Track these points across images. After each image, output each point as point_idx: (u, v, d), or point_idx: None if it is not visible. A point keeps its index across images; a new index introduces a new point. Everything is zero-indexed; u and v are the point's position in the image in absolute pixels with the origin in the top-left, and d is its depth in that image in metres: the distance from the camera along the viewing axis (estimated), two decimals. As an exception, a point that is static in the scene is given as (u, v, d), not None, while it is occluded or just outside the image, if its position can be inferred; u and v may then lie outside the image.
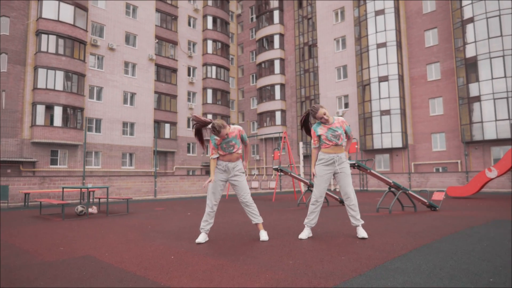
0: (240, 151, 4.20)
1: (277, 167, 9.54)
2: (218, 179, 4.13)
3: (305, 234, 4.20)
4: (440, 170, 25.22)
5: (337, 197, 9.09)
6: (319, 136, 4.23)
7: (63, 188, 7.18)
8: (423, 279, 2.47)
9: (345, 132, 4.30)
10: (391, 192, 6.97)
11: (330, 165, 4.20)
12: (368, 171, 6.30)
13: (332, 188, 18.12)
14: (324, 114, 4.19)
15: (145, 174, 25.97)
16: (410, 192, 6.78)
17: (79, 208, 6.95)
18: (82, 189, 8.56)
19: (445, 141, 25.62)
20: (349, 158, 5.02)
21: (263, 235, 4.14)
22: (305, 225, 4.27)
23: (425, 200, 6.91)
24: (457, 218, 5.91)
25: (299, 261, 3.05)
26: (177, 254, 3.46)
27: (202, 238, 4.06)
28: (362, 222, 4.21)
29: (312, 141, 4.27)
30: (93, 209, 7.42)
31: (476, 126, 23.43)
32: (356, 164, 6.15)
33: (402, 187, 6.72)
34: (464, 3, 24.16)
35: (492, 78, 22.74)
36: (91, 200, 10.08)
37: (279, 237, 4.29)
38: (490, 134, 22.78)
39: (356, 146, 6.80)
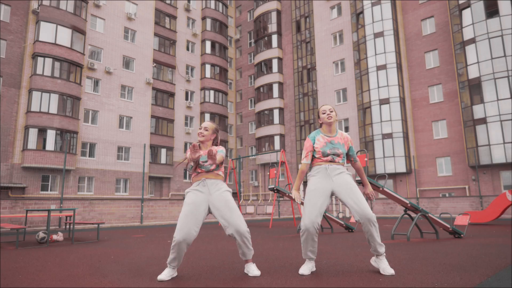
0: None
1: (273, 186, 8.53)
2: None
3: (306, 268, 3.12)
4: (447, 196, 24.06)
5: (342, 222, 8.02)
6: (313, 150, 3.25)
7: (26, 211, 6.17)
8: None
9: (347, 154, 3.32)
10: (407, 215, 5.95)
11: (322, 175, 3.16)
12: (381, 188, 5.32)
13: (336, 213, 16.90)
14: (330, 110, 3.27)
15: (137, 199, 24.78)
16: (430, 215, 5.76)
17: (40, 234, 5.92)
18: (53, 213, 7.52)
19: (451, 165, 24.60)
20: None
21: (254, 269, 3.09)
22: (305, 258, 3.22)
23: (448, 225, 5.87)
24: (497, 246, 4.86)
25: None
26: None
27: (166, 274, 3.00)
28: (384, 247, 3.14)
29: (303, 154, 3.26)
30: (58, 236, 6.36)
31: (483, 150, 22.48)
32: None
33: (421, 209, 5.71)
34: (464, 23, 23.87)
35: (498, 99, 22.04)
36: (66, 226, 8.99)
37: (274, 272, 3.27)
38: (498, 158, 21.79)
39: (366, 159, 5.83)
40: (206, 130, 3.26)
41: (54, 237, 6.32)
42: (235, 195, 31.24)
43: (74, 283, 2.90)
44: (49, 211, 5.72)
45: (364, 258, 3.95)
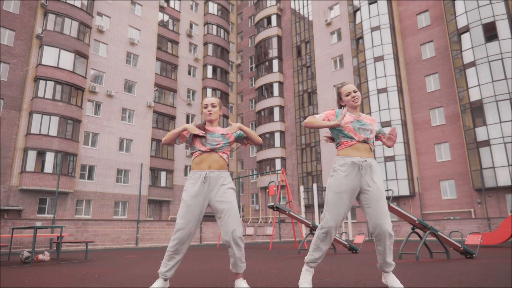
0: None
1: (272, 204, 8.18)
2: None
3: (307, 281, 2.68)
4: (452, 219, 23.44)
5: (346, 242, 7.61)
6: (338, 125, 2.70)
7: (12, 229, 5.85)
8: None
9: (377, 133, 2.90)
10: (415, 233, 5.59)
11: (352, 174, 2.66)
12: (388, 205, 5.01)
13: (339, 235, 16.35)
14: (354, 90, 2.82)
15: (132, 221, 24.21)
16: (440, 234, 5.40)
17: (25, 253, 5.57)
18: (38, 233, 7.17)
19: (455, 188, 24.15)
20: None
21: (242, 285, 2.69)
22: (305, 264, 2.77)
23: (459, 245, 5.50)
24: (504, 266, 4.49)
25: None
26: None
27: (158, 285, 2.64)
28: (394, 265, 2.75)
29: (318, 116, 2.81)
30: (44, 256, 5.99)
31: (487, 172, 22.10)
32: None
33: (430, 226, 5.36)
34: (464, 47, 24.07)
35: (501, 122, 21.88)
36: (55, 246, 8.58)
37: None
38: (504, 181, 21.38)
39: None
40: (214, 107, 2.90)
41: (40, 256, 5.95)
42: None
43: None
44: (35, 228, 5.41)
45: (371, 276, 3.60)
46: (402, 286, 2.65)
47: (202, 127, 2.86)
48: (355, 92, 2.82)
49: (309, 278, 2.74)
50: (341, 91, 2.87)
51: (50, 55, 24.90)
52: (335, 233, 2.73)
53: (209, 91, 35.19)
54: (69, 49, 25.49)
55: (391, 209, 5.14)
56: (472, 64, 23.50)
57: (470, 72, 23.57)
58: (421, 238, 5.46)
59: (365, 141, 2.76)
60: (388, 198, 5.80)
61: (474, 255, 5.62)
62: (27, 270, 4.86)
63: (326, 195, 2.75)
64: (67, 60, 25.41)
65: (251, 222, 13.76)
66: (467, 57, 23.81)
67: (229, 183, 2.81)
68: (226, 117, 36.13)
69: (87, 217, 25.48)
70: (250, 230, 10.88)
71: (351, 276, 3.73)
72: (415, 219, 5.28)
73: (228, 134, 2.86)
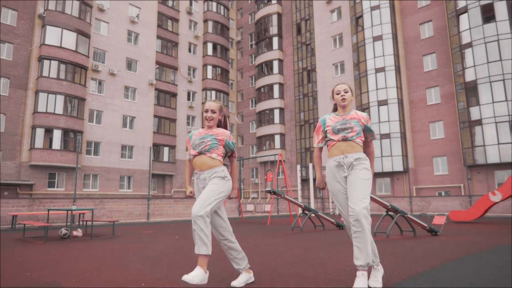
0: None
1: (269, 189, 9.26)
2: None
3: (364, 280, 2.63)
4: (443, 194, 24.73)
5: (333, 220, 8.73)
6: (325, 132, 3.00)
7: (48, 210, 6.89)
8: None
9: (364, 131, 2.97)
10: (388, 216, 6.65)
11: (337, 172, 2.88)
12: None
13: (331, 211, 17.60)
14: (345, 90, 2.99)
15: (142, 197, 25.59)
16: (409, 215, 6.46)
17: (63, 230, 6.64)
18: (69, 211, 8.25)
19: (447, 165, 25.28)
20: None
21: (192, 275, 2.59)
22: (371, 267, 2.84)
23: (425, 224, 6.57)
24: (458, 244, 5.56)
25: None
26: (149, 281, 3.15)
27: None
28: (378, 261, 2.85)
29: (314, 140, 3.07)
30: (78, 232, 7.09)
31: (478, 150, 23.15)
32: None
33: (400, 210, 6.41)
34: (461, 28, 24.46)
35: (493, 102, 22.67)
36: (80, 222, 9.73)
37: (265, 262, 3.98)
38: (493, 158, 22.46)
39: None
40: (214, 113, 3.02)
41: (74, 233, 7.05)
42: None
43: (107, 271, 3.62)
44: (71, 210, 6.46)
45: (345, 254, 4.66)
46: (381, 285, 2.73)
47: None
48: (345, 92, 2.97)
49: (377, 277, 2.80)
50: (334, 89, 3.05)
51: (53, 35, 25.30)
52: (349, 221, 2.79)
53: (209, 68, 35.65)
54: (71, 29, 25.86)
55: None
56: (469, 45, 23.98)
57: (467, 53, 24.10)
58: (393, 219, 6.52)
59: (345, 140, 2.88)
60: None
61: (438, 233, 6.71)
62: (71, 245, 5.94)
63: None
64: (69, 39, 25.83)
65: (252, 200, 14.93)
66: (465, 38, 24.26)
67: (218, 173, 2.89)
68: (226, 93, 36.75)
69: (94, 191, 26.78)
70: (250, 207, 12.03)
71: (328, 253, 4.78)
72: (388, 204, 6.31)
73: (219, 136, 3.00)
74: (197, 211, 2.62)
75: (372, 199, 6.14)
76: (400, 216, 6.50)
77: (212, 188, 2.79)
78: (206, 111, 3.01)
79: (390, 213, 6.63)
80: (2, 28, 23.93)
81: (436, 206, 17.79)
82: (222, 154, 3.00)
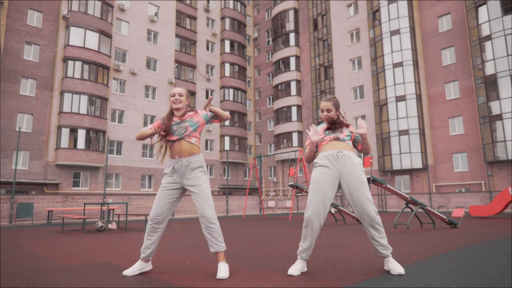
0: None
1: (292, 183, 9.58)
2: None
3: (297, 268, 2.85)
4: (463, 191, 24.49)
5: (354, 214, 8.98)
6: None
7: (84, 204, 7.41)
8: (436, 281, 2.46)
9: (354, 141, 3.07)
10: (408, 208, 6.86)
11: (328, 164, 2.87)
12: (384, 185, 6.26)
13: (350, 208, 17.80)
14: (328, 109, 3.02)
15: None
16: (428, 208, 6.66)
17: (99, 223, 7.14)
18: (103, 206, 8.76)
19: (467, 161, 24.96)
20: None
21: (222, 270, 2.78)
22: (297, 255, 2.96)
23: (444, 217, 6.76)
24: (477, 233, 5.76)
25: (311, 267, 3.08)
26: (192, 261, 3.53)
27: (136, 268, 2.95)
28: (391, 250, 2.86)
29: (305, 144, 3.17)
30: (112, 225, 7.59)
31: (499, 145, 22.81)
32: (372, 179, 6.13)
33: (420, 202, 6.62)
34: (481, 20, 24.08)
35: (514, 96, 22.28)
36: (110, 217, 10.28)
37: (294, 248, 4.31)
38: (514, 153, 22.10)
39: (371, 160, 6.78)
40: (181, 95, 3.10)
41: (109, 226, 7.55)
42: (257, 191, 32.39)
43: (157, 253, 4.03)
44: (108, 204, 6.94)
45: (368, 242, 4.94)
46: (403, 270, 2.72)
47: (168, 118, 3.07)
48: (328, 111, 3.01)
49: (298, 266, 2.87)
50: (320, 104, 3.10)
51: (76, 36, 26.15)
52: (318, 223, 2.84)
53: (227, 66, 36.09)
54: (94, 29, 26.68)
55: (388, 189, 6.39)
56: (488, 37, 23.60)
57: (486, 45, 23.72)
58: (413, 211, 6.74)
59: (337, 139, 2.95)
60: (386, 174, 6.98)
61: (457, 225, 6.89)
62: (110, 236, 6.42)
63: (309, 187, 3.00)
64: (92, 40, 26.66)
65: (272, 196, 15.27)
66: (484, 31, 23.88)
67: (199, 167, 2.97)
68: (244, 91, 37.13)
69: (117, 190, 27.62)
70: (271, 203, 12.37)
71: (352, 240, 5.08)
72: (408, 196, 6.54)
73: (196, 116, 3.08)
74: (212, 214, 2.86)
75: (391, 191, 6.39)
76: (420, 208, 6.72)
77: (205, 190, 2.91)
78: (173, 95, 3.06)
79: (410, 205, 6.85)
80: (28, 30, 24.92)
81: (456, 203, 17.72)
82: (199, 137, 3.12)
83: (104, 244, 5.11)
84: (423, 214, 9.78)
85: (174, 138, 2.99)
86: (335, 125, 3.02)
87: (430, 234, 5.77)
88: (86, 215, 11.56)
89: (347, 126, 3.06)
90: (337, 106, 3.04)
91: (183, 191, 3.05)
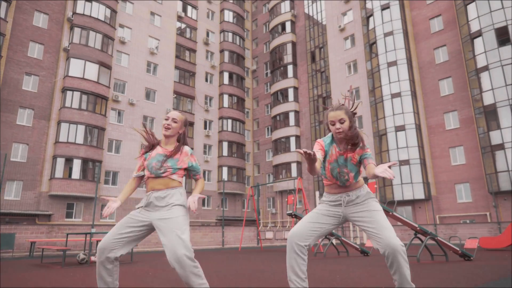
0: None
1: (291, 212, 9.03)
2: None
3: None
4: (468, 222, 23.70)
5: (358, 246, 8.37)
6: (324, 157, 2.50)
7: (67, 234, 6.85)
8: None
9: (360, 159, 2.46)
10: (417, 239, 6.32)
11: (335, 206, 2.50)
12: (391, 213, 5.76)
13: (353, 239, 17.03)
14: (340, 120, 2.38)
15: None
16: (439, 238, 6.12)
17: (81, 255, 6.55)
18: (87, 237, 8.17)
19: (470, 192, 24.37)
20: None
21: None
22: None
23: (457, 248, 6.21)
24: (497, 267, 5.19)
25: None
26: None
27: None
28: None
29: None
30: (95, 257, 6.98)
31: (502, 175, 22.32)
32: (377, 206, 5.63)
33: (430, 232, 6.09)
34: (477, 52, 24.34)
35: (514, 125, 22.08)
36: (94, 249, 9.62)
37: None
38: (519, 184, 21.57)
39: (376, 186, 6.31)
40: (175, 122, 2.60)
41: (92, 258, 6.94)
42: (255, 222, 31.48)
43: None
44: (91, 234, 6.39)
45: (371, 277, 4.39)
46: None
47: (154, 141, 2.64)
48: (341, 122, 2.38)
49: None
50: (327, 115, 2.45)
51: (76, 67, 26.33)
52: (298, 247, 2.40)
53: (226, 97, 36.23)
54: (94, 61, 26.89)
55: (395, 218, 5.89)
56: (485, 68, 23.75)
57: (484, 76, 23.83)
58: (422, 242, 6.19)
59: (342, 184, 2.50)
60: (392, 203, 6.49)
61: (471, 258, 6.32)
62: (90, 270, 5.82)
63: None
64: (92, 71, 26.82)
65: (270, 227, 14.60)
66: (480, 61, 24.07)
67: (176, 200, 2.43)
68: (242, 122, 37.06)
69: (111, 221, 26.74)
70: (269, 235, 11.73)
71: (356, 277, 4.51)
72: (416, 225, 6.02)
73: (182, 158, 2.55)
74: (188, 253, 2.22)
75: (399, 219, 5.88)
76: (430, 239, 6.17)
77: (179, 223, 2.34)
78: (167, 118, 2.60)
79: (419, 235, 6.30)
80: (29, 61, 25.09)
81: (463, 234, 16.97)
82: (183, 174, 2.58)
83: (76, 281, 4.54)
84: (433, 246, 9.15)
85: (150, 175, 2.48)
86: (352, 140, 2.37)
87: (445, 268, 5.20)
88: (70, 247, 10.88)
89: (364, 147, 2.43)
90: (350, 115, 2.40)
91: (149, 230, 2.43)
